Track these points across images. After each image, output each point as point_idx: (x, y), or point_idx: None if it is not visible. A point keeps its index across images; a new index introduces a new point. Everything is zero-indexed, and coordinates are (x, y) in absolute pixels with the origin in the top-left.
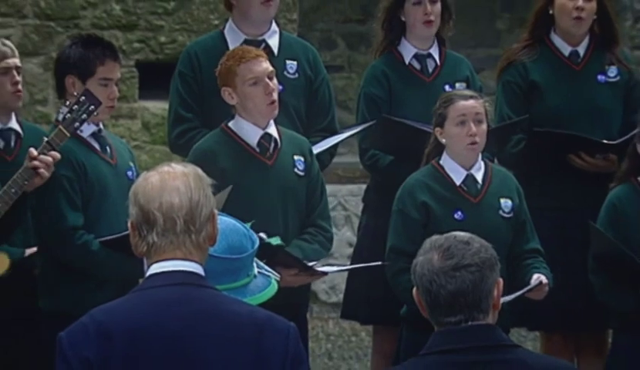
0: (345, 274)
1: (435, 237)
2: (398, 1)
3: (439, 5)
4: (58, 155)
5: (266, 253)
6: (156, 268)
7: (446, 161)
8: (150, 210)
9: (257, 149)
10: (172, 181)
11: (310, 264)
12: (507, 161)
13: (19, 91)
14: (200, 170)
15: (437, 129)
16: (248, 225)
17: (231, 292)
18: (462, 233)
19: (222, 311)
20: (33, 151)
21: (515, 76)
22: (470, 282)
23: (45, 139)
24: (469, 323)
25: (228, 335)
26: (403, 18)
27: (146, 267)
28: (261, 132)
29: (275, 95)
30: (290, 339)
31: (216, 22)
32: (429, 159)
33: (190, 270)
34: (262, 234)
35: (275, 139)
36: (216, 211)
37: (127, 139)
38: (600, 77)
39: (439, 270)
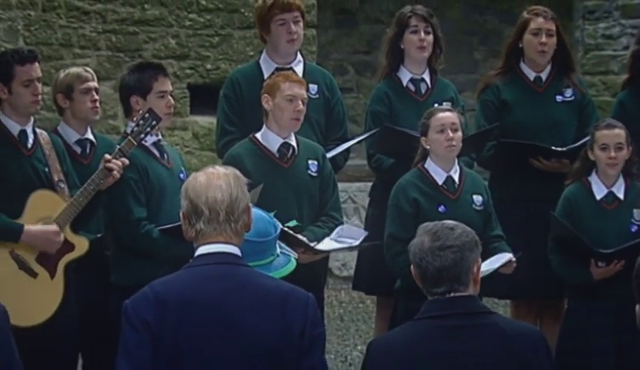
0: (356, 253)
1: (429, 224)
2: (399, 33)
3: (431, 36)
4: (127, 161)
5: (284, 236)
6: (202, 250)
7: (430, 165)
8: (199, 204)
9: (277, 155)
10: (216, 180)
11: (311, 244)
12: (484, 163)
13: (97, 107)
14: (238, 172)
15: (423, 138)
16: (272, 214)
17: (259, 268)
18: (450, 221)
19: (253, 284)
20: (108, 156)
21: (490, 96)
22: (452, 260)
23: (117, 147)
24: (452, 294)
25: (258, 303)
26: (402, 46)
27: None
28: (281, 141)
29: (301, 116)
30: (309, 306)
31: (251, 53)
32: (418, 162)
33: (229, 251)
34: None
35: (293, 147)
36: (250, 204)
37: (180, 146)
38: (558, 97)
39: (427, 249)
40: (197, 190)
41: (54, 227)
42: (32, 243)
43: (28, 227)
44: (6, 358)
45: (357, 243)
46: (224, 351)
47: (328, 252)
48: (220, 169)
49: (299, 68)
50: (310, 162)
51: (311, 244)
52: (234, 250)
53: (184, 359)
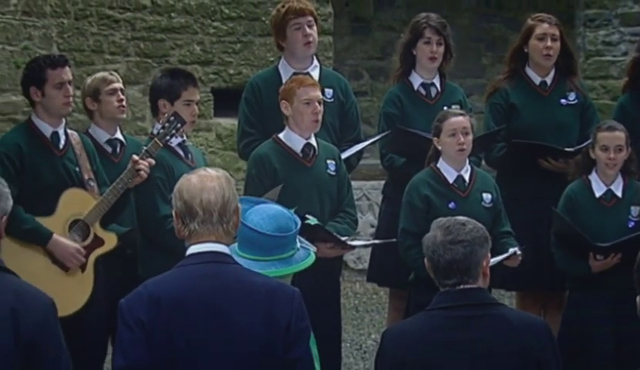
0: (369, 248)
1: (442, 219)
2: (412, 40)
3: (443, 47)
4: (153, 161)
5: (306, 231)
6: (193, 249)
7: (442, 164)
8: (193, 205)
9: (301, 155)
10: (209, 182)
11: (342, 238)
12: (493, 163)
13: (123, 106)
14: (227, 174)
15: (435, 138)
16: (292, 210)
17: (280, 262)
18: (462, 217)
19: (242, 281)
20: (135, 157)
21: (499, 99)
22: (462, 254)
23: (145, 148)
24: (462, 286)
25: (247, 299)
26: (415, 53)
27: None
28: (304, 142)
29: (319, 117)
30: (294, 301)
31: (272, 59)
32: (430, 161)
33: (219, 250)
34: (309, 217)
35: (314, 148)
36: (239, 205)
37: (205, 146)
38: (562, 100)
39: (439, 243)
40: (192, 192)
41: (77, 246)
42: (54, 252)
43: (56, 237)
44: (56, 350)
45: (378, 241)
46: (216, 347)
47: (355, 247)
48: (211, 172)
49: (315, 73)
50: (329, 162)
51: (342, 239)
52: (224, 249)
53: (178, 356)
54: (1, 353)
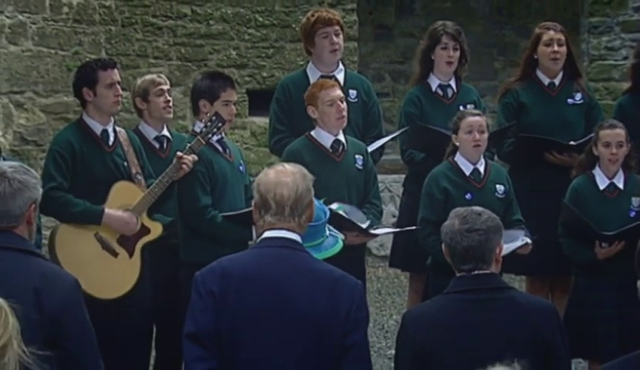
0: (391, 235)
1: (459, 209)
2: (431, 45)
3: (458, 52)
4: (196, 157)
5: (334, 220)
6: (267, 234)
7: (459, 158)
8: (268, 198)
9: (330, 150)
10: (284, 177)
11: (364, 226)
12: (504, 157)
13: (169, 106)
14: (304, 169)
15: (453, 135)
16: (322, 201)
17: (311, 248)
18: (478, 207)
19: (308, 267)
20: (180, 153)
21: (510, 99)
22: (478, 241)
23: (188, 145)
24: (476, 271)
25: (311, 284)
26: (433, 57)
27: (254, 234)
28: (333, 138)
29: (344, 113)
30: (356, 291)
31: (301, 63)
32: (449, 156)
33: (291, 238)
34: (334, 205)
35: (343, 144)
36: (314, 199)
37: (240, 143)
38: (569, 100)
39: (457, 231)
40: (267, 186)
41: (130, 213)
42: (111, 224)
43: (108, 211)
44: (80, 326)
45: (399, 229)
46: (277, 322)
47: (377, 235)
48: (288, 167)
49: (341, 76)
50: (357, 156)
51: (364, 227)
52: (296, 237)
53: (242, 326)
54: (28, 329)
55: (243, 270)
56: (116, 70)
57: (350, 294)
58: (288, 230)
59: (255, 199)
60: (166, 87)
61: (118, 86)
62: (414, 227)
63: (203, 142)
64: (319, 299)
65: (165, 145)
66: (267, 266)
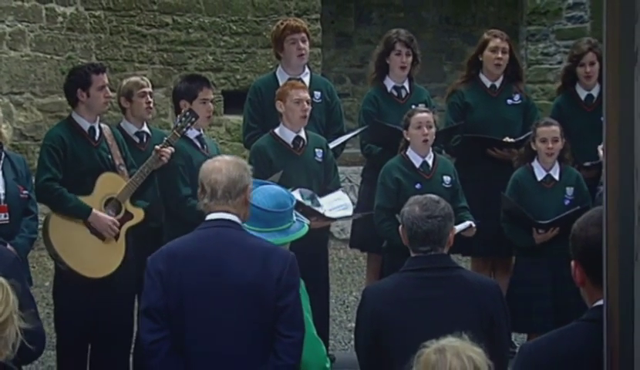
0: (351, 220)
1: (418, 196)
2: (385, 51)
3: (411, 57)
4: (173, 149)
5: (298, 207)
6: (208, 217)
7: (410, 152)
8: (204, 184)
9: (292, 146)
10: (218, 165)
11: (321, 211)
12: (452, 152)
13: (150, 107)
14: (240, 160)
15: (404, 131)
16: (289, 189)
17: (279, 232)
18: (434, 195)
19: (242, 242)
20: (157, 147)
21: (456, 99)
22: (436, 226)
23: (165, 138)
24: (432, 252)
25: (245, 256)
26: (388, 62)
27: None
28: (294, 135)
29: (307, 114)
30: (288, 259)
31: (271, 66)
32: (402, 150)
33: (227, 218)
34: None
35: (303, 139)
36: (250, 185)
37: (216, 139)
38: (509, 101)
39: (418, 216)
40: (204, 173)
41: (113, 219)
42: (93, 224)
43: (95, 212)
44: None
45: (357, 215)
46: (216, 292)
47: (335, 219)
48: (225, 158)
49: (306, 79)
50: (316, 150)
51: (321, 212)
52: (231, 217)
53: (187, 299)
54: None
55: (185, 250)
56: (105, 74)
57: (282, 261)
58: (225, 211)
59: (198, 186)
60: (148, 89)
61: (107, 88)
62: (370, 212)
63: (179, 135)
64: (254, 268)
65: (145, 139)
66: (206, 244)
